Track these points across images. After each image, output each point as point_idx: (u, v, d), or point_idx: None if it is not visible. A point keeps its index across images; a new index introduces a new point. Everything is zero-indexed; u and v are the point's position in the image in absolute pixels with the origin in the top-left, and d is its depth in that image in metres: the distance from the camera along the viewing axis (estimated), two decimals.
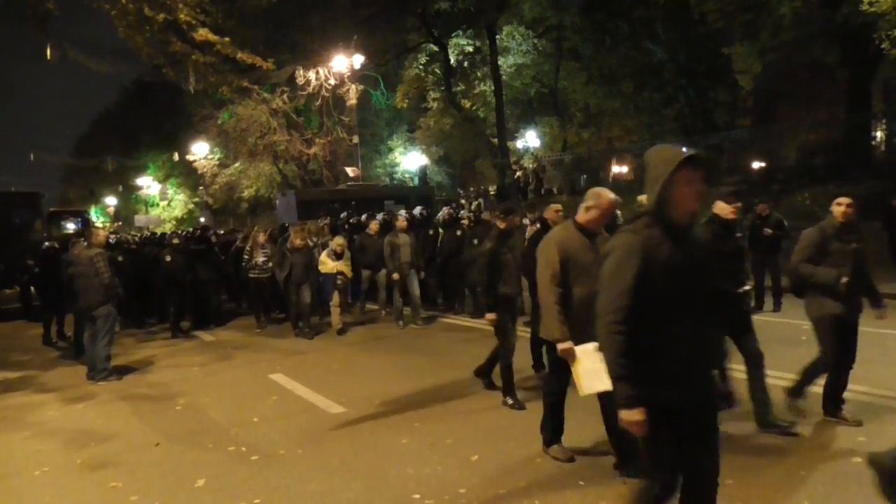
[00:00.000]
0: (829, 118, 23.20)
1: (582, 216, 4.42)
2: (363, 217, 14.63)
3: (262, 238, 11.33)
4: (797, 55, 20.75)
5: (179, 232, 20.23)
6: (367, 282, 11.60)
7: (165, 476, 4.92)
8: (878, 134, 20.17)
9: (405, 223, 10.90)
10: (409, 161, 36.62)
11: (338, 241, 10.72)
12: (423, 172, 37.48)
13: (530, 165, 30.46)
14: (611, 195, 4.46)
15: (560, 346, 4.23)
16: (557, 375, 4.66)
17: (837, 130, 19.70)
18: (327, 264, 10.47)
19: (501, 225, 6.21)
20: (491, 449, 5.01)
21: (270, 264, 11.06)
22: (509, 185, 26.70)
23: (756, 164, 22.73)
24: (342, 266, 10.51)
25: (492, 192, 29.97)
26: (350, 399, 6.61)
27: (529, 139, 31.37)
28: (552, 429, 4.83)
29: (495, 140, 27.87)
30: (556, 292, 4.26)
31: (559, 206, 6.82)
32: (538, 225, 7.89)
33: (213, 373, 8.40)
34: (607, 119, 30.56)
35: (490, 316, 5.96)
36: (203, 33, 11.39)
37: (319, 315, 11.42)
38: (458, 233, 11.32)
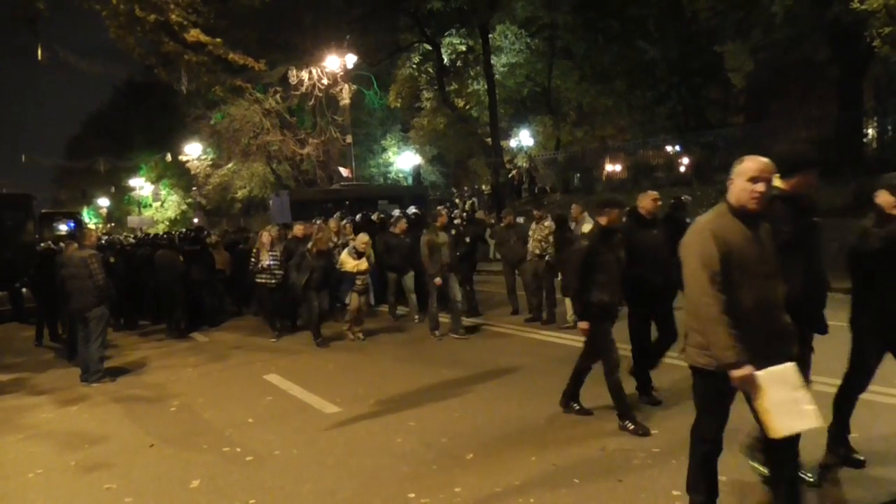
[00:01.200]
0: (820, 115, 23.29)
1: (738, 194, 3.34)
2: (357, 217, 14.48)
3: (267, 238, 10.26)
4: (789, 53, 20.85)
5: (173, 232, 20.20)
6: (393, 285, 10.86)
7: (160, 477, 4.91)
8: (870, 131, 20.26)
9: (445, 219, 10.07)
10: (403, 160, 36.60)
11: (362, 239, 9.73)
12: (416, 172, 37.45)
13: (524, 164, 30.48)
14: (763, 159, 3.47)
15: (735, 374, 3.17)
16: (715, 413, 3.52)
17: (829, 128, 19.77)
18: (347, 263, 9.62)
19: (603, 220, 5.39)
20: (486, 447, 5.01)
21: (279, 268, 10.19)
22: (503, 185, 26.71)
23: None
24: (364, 266, 9.65)
25: (485, 192, 29.99)
26: (345, 399, 6.61)
27: (523, 138, 31.38)
28: (706, 489, 3.57)
29: (489, 139, 27.86)
30: (720, 300, 3.19)
31: (656, 194, 6.04)
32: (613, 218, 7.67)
33: (208, 374, 8.38)
34: (600, 117, 30.60)
35: (582, 325, 5.36)
36: (195, 34, 11.36)
37: (335, 318, 11.10)
38: (452, 232, 11.28)
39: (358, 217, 14.46)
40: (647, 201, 5.99)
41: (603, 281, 5.23)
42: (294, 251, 10.23)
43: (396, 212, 13.22)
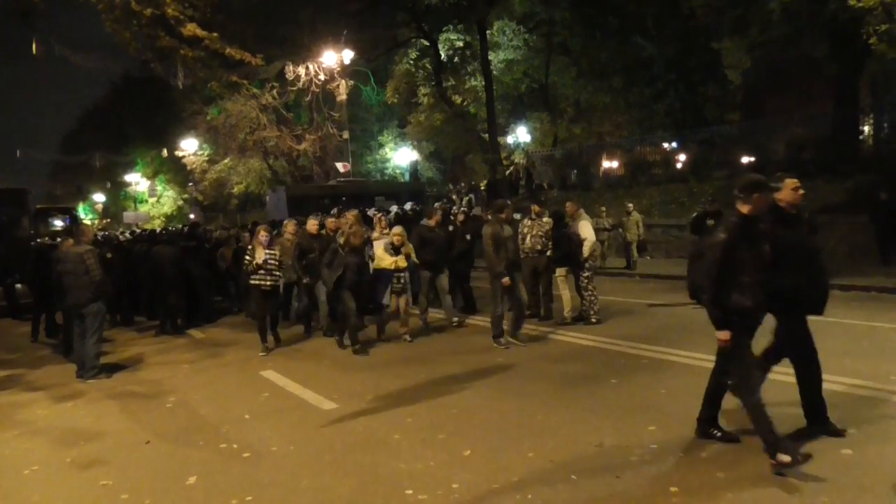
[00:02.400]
0: (817, 113, 23.34)
1: None
2: (371, 211, 14.18)
3: (264, 234, 9.03)
4: (786, 50, 20.89)
5: (170, 228, 20.15)
6: (426, 285, 9.77)
7: (156, 474, 4.89)
8: (866, 128, 20.31)
9: (440, 217, 9.54)
10: (400, 156, 36.60)
11: (397, 232, 8.93)
12: (413, 168, 37.46)
13: (521, 161, 30.48)
14: None
15: None
16: None
17: (826, 125, 19.82)
18: (384, 260, 8.77)
19: (745, 208, 4.40)
20: (483, 444, 5.01)
21: (277, 268, 8.97)
22: (500, 181, 26.71)
23: (745, 159, 22.84)
24: (403, 263, 8.83)
25: (483, 188, 29.99)
26: (342, 395, 6.59)
27: (520, 134, 31.39)
28: None
29: (486, 135, 27.87)
30: None
31: (797, 182, 4.94)
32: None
33: (204, 370, 8.36)
34: (598, 114, 30.62)
35: (723, 336, 4.40)
36: (191, 28, 11.32)
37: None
38: (450, 228, 11.25)
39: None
40: (787, 192, 4.86)
41: (744, 282, 4.32)
42: (308, 248, 9.51)
43: (394, 208, 13.14)
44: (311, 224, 9.92)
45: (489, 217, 9.27)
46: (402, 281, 8.92)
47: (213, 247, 13.28)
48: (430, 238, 9.76)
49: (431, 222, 10.14)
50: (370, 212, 14.46)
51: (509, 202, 9.68)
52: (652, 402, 5.78)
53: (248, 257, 8.87)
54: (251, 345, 9.64)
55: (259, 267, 8.73)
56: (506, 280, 8.09)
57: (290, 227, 10.41)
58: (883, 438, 4.67)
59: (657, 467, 4.37)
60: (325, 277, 8.73)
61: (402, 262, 8.81)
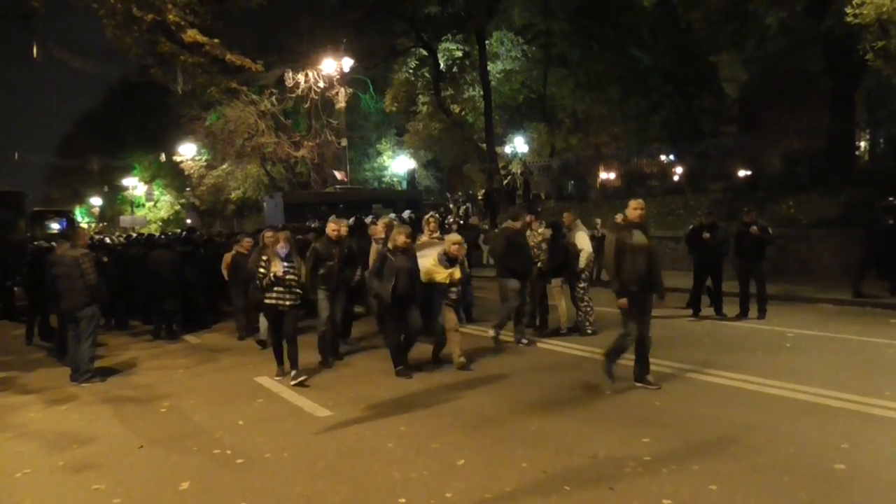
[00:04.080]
0: (812, 127, 23.48)
1: None
2: (350, 220, 14.17)
3: (283, 242, 7.58)
4: (782, 64, 21.06)
5: (168, 233, 20.14)
6: (515, 298, 8.65)
7: (149, 479, 4.88)
8: (862, 143, 20.43)
9: (435, 225, 8.79)
10: (398, 165, 36.65)
11: (453, 240, 7.89)
12: (411, 176, 37.50)
13: (518, 171, 30.56)
14: None
15: None
16: None
17: (821, 139, 19.94)
18: (438, 273, 7.65)
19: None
20: (477, 453, 5.01)
21: (297, 284, 7.63)
22: (497, 190, 26.76)
23: (741, 172, 22.97)
24: (458, 274, 7.80)
25: (479, 197, 30.04)
26: (336, 402, 6.59)
27: (517, 144, 31.47)
28: None
29: (483, 145, 27.95)
30: None
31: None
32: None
33: (198, 375, 8.34)
34: (595, 125, 30.76)
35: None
36: (192, 34, 11.36)
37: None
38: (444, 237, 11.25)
39: (351, 220, 14.39)
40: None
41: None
42: (326, 256, 8.30)
43: (392, 215, 13.12)
44: (332, 228, 8.50)
45: (484, 226, 9.12)
46: (458, 295, 7.93)
47: (209, 252, 13.24)
48: (518, 243, 8.84)
49: (513, 225, 9.08)
50: (368, 219, 14.45)
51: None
52: (646, 413, 5.79)
53: (261, 270, 7.40)
54: (246, 350, 9.64)
55: (276, 282, 7.35)
56: (622, 302, 6.51)
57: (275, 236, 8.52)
58: (876, 453, 4.69)
59: (651, 479, 4.38)
60: (379, 289, 7.38)
61: (458, 274, 7.78)
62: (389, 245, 7.66)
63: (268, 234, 9.24)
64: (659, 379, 6.87)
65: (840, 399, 5.87)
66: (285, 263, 7.43)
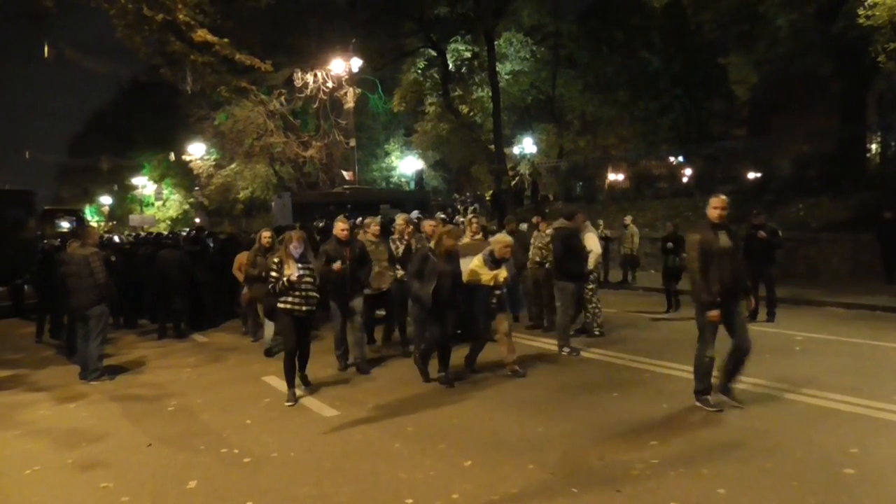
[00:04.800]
0: (823, 130, 23.37)
1: None
2: (359, 220, 14.02)
3: (297, 242, 6.79)
4: (793, 67, 20.93)
5: (175, 233, 20.21)
6: (572, 304, 8.44)
7: (157, 477, 4.90)
8: (873, 146, 20.30)
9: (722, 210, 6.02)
10: (406, 165, 36.65)
11: (503, 241, 7.40)
12: (419, 177, 37.51)
13: (526, 172, 30.54)
14: None
15: None
16: None
17: (832, 142, 19.83)
18: (483, 274, 7.20)
19: None
20: (484, 455, 5.00)
21: (314, 287, 6.86)
22: (505, 192, 26.76)
23: (750, 175, 22.87)
24: (504, 275, 7.32)
25: (487, 198, 30.03)
26: (343, 402, 6.59)
27: (526, 146, 31.46)
28: None
29: (492, 146, 27.92)
30: None
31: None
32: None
33: (206, 374, 8.37)
34: (603, 127, 30.71)
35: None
36: (202, 34, 11.40)
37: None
38: None
39: (359, 220, 14.34)
40: None
41: None
42: (336, 257, 7.66)
43: (401, 215, 13.05)
44: (340, 228, 7.85)
45: (492, 227, 9.01)
46: (500, 297, 7.42)
47: (217, 251, 13.26)
48: (574, 245, 8.50)
49: (566, 224, 8.70)
50: (372, 220, 14.39)
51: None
52: (654, 416, 5.77)
53: (274, 273, 6.69)
54: (253, 350, 9.65)
55: (291, 286, 6.66)
56: (714, 314, 5.73)
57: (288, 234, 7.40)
58: (885, 458, 4.65)
59: (658, 482, 4.36)
60: (419, 291, 6.98)
61: (503, 274, 7.28)
62: (433, 244, 7.24)
63: (265, 234, 9.41)
64: (665, 381, 6.85)
65: (850, 403, 5.83)
66: (300, 265, 6.71)
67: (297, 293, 6.67)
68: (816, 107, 26.70)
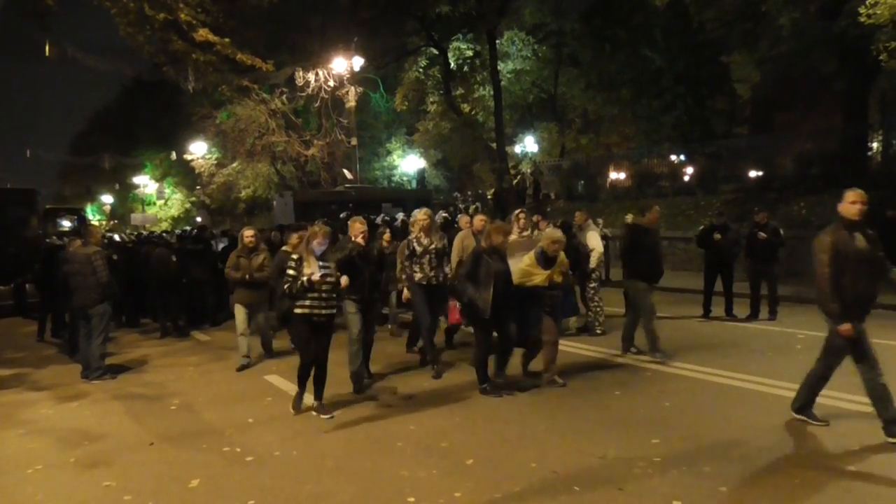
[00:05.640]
0: (825, 128, 23.30)
1: None
2: (378, 218, 13.54)
3: (321, 238, 6.07)
4: (795, 65, 20.86)
5: (169, 231, 20.22)
6: (649, 304, 7.79)
7: (159, 476, 4.90)
8: (875, 144, 20.25)
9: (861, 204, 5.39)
10: (408, 164, 36.66)
11: (553, 236, 6.64)
12: (420, 175, 37.52)
13: (528, 170, 30.52)
14: None
15: None
16: None
17: (834, 140, 19.77)
18: (535, 274, 6.49)
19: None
20: (486, 453, 5.00)
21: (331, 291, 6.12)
22: (507, 190, 26.74)
23: (753, 173, 22.83)
24: (558, 277, 6.64)
25: (489, 197, 30.01)
26: (345, 401, 6.59)
27: (528, 144, 31.45)
28: None
29: (494, 144, 27.92)
30: None
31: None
32: None
33: (208, 373, 8.37)
34: (605, 125, 30.70)
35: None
36: (203, 33, 11.38)
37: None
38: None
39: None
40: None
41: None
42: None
43: (400, 215, 13.06)
44: (357, 226, 6.81)
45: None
46: (554, 300, 6.79)
47: (223, 250, 13.23)
48: (646, 242, 7.94)
49: (640, 220, 8.23)
50: (378, 219, 14.42)
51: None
52: (656, 414, 5.77)
53: (291, 272, 5.97)
54: (255, 349, 9.63)
55: (310, 287, 5.95)
56: (846, 328, 5.04)
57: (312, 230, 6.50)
58: (889, 457, 4.65)
59: (660, 480, 4.36)
60: (475, 296, 6.30)
61: (559, 277, 6.63)
62: (483, 243, 6.62)
63: (247, 233, 8.77)
64: (667, 379, 6.84)
65: (851, 401, 5.82)
66: (321, 263, 6.01)
67: (315, 295, 5.99)
68: (819, 105, 26.63)
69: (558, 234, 6.79)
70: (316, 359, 6.17)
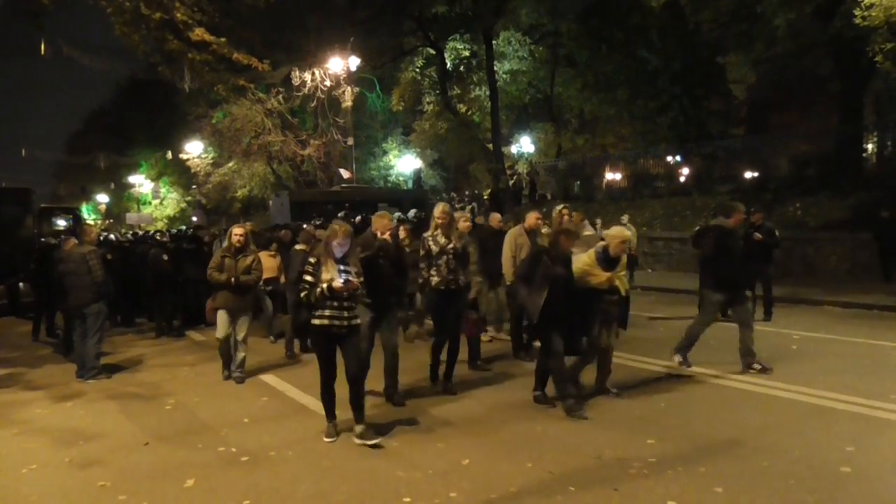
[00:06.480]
0: (821, 129, 23.40)
1: None
2: (356, 219, 13.94)
3: (342, 236, 5.26)
4: (791, 66, 20.96)
5: (161, 231, 20.17)
6: (712, 316, 7.29)
7: (154, 476, 4.89)
8: (870, 146, 20.34)
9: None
10: (404, 164, 36.64)
11: (618, 234, 6.03)
12: (417, 175, 37.49)
13: (524, 171, 30.56)
14: None
15: None
16: None
17: (829, 141, 19.86)
18: (596, 275, 5.96)
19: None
20: (482, 453, 5.00)
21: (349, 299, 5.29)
22: (503, 190, 26.77)
23: (748, 174, 22.89)
24: (620, 280, 6.11)
25: (486, 197, 30.03)
26: (341, 401, 6.55)
27: (524, 144, 31.48)
28: None
29: (490, 145, 27.96)
30: None
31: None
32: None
33: (204, 373, 8.35)
34: (602, 126, 30.72)
35: None
36: (199, 32, 11.37)
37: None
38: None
39: (357, 219, 14.37)
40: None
41: None
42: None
43: (397, 214, 13.03)
44: (384, 222, 6.22)
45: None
46: (613, 304, 6.20)
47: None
48: (731, 246, 7.29)
49: (724, 222, 7.38)
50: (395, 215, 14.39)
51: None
52: (651, 415, 5.78)
53: (308, 277, 5.22)
54: (251, 349, 9.61)
55: (332, 295, 5.14)
56: None
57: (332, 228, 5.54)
58: (881, 457, 4.67)
59: (656, 481, 4.37)
60: (527, 300, 5.87)
61: (620, 282, 6.11)
62: (546, 244, 6.18)
63: (236, 231, 7.84)
64: (663, 380, 6.85)
65: (846, 402, 5.84)
66: (342, 267, 5.24)
67: (336, 304, 5.21)
68: (814, 106, 26.75)
69: (627, 232, 6.18)
70: (348, 377, 5.36)
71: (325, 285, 5.11)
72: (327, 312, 5.21)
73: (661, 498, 4.11)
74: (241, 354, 7.70)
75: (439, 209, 6.91)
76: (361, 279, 5.32)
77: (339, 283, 5.08)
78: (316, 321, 5.25)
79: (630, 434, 5.28)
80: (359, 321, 5.47)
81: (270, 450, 5.30)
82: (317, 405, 6.48)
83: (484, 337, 8.59)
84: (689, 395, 6.30)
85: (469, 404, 6.34)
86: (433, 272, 6.74)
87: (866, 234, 13.65)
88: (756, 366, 7.09)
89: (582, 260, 6.01)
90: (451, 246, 6.73)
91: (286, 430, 5.80)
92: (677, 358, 7.41)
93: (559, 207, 8.41)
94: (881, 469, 4.45)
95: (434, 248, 6.75)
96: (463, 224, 7.61)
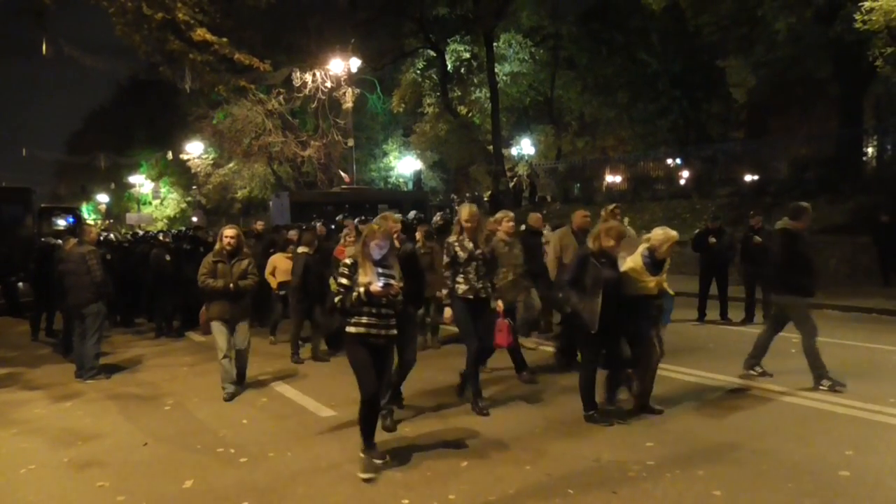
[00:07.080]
0: (821, 133, 23.41)
1: None
2: (356, 220, 13.87)
3: (381, 236, 4.76)
4: (791, 70, 20.97)
5: (162, 231, 20.18)
6: (812, 319, 6.63)
7: (153, 476, 4.89)
8: (869, 149, 20.37)
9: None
10: (404, 165, 36.68)
11: (664, 236, 5.63)
12: (417, 177, 37.53)
13: (524, 173, 30.58)
14: None
15: None
16: None
17: (829, 145, 19.89)
18: (646, 279, 5.61)
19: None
20: (480, 455, 5.00)
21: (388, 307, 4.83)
22: (503, 192, 26.78)
23: (748, 177, 22.91)
24: (665, 282, 5.79)
25: (486, 198, 30.05)
26: (340, 402, 6.57)
27: (524, 146, 31.51)
28: None
29: (490, 147, 27.99)
30: None
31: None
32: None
33: (203, 373, 8.34)
34: (602, 128, 30.78)
35: None
36: (201, 33, 11.39)
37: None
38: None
39: (356, 221, 14.30)
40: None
41: None
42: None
43: (398, 216, 12.95)
44: (392, 225, 5.36)
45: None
46: (659, 310, 5.87)
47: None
48: (804, 253, 6.70)
49: (791, 224, 6.66)
50: (410, 215, 14.40)
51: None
52: (650, 418, 5.77)
53: (344, 280, 4.75)
54: (252, 348, 9.62)
55: (369, 300, 4.69)
56: None
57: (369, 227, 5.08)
58: (880, 460, 4.67)
59: (654, 484, 4.37)
60: (580, 307, 5.46)
61: (666, 283, 5.78)
62: (590, 244, 5.59)
63: (228, 232, 7.18)
64: (662, 383, 6.85)
65: (845, 406, 5.84)
66: (381, 270, 4.74)
67: (374, 310, 4.76)
68: (814, 110, 26.78)
69: (673, 234, 5.68)
70: (382, 387, 5.01)
71: (361, 289, 4.64)
72: (364, 320, 4.75)
73: (660, 501, 4.11)
74: (240, 366, 7.28)
75: (466, 211, 6.26)
76: (402, 284, 4.81)
77: (377, 286, 4.61)
78: (352, 328, 4.78)
79: (629, 437, 5.28)
80: (395, 332, 4.97)
81: (269, 451, 5.29)
82: (316, 406, 6.50)
83: (529, 344, 8.23)
84: (688, 399, 6.30)
85: (467, 407, 6.32)
86: (460, 279, 6.17)
87: (866, 238, 13.65)
88: (757, 369, 7.07)
89: (629, 266, 5.62)
90: (479, 252, 6.19)
91: (285, 432, 5.79)
92: (825, 384, 6.38)
93: (610, 207, 7.85)
94: (880, 473, 4.45)
95: (461, 255, 6.16)
96: (507, 224, 7.22)
